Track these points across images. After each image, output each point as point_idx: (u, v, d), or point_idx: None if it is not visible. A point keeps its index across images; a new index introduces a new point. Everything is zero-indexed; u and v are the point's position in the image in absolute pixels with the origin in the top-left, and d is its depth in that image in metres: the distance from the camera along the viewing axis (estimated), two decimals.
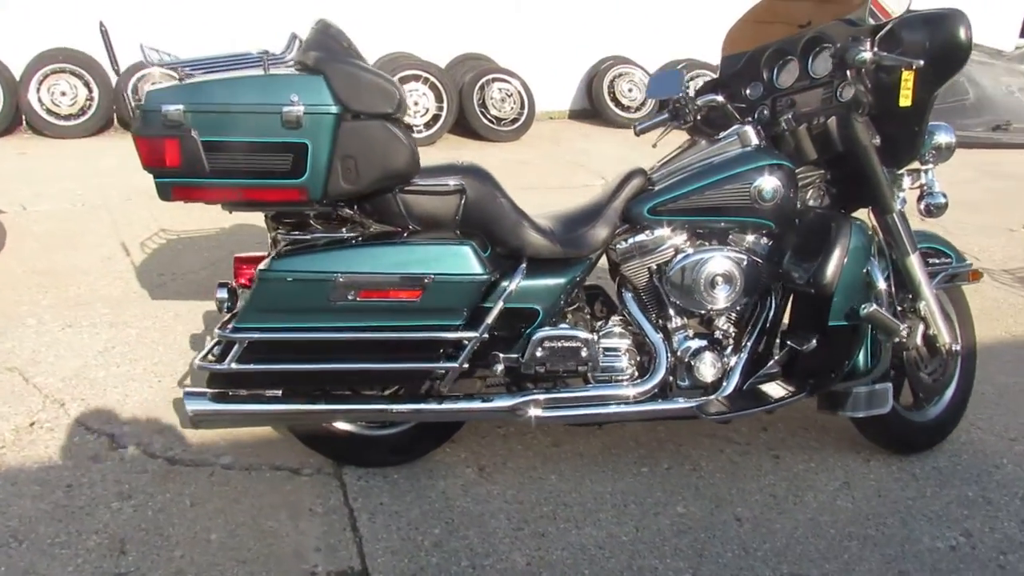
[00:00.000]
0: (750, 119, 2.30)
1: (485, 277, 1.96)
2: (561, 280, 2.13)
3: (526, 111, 7.32)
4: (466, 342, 2.01)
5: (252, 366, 1.94)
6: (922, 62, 1.88)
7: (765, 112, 2.33)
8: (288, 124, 1.81)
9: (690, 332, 2.26)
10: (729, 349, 2.27)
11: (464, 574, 1.96)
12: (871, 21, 1.96)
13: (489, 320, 2.01)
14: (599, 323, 2.29)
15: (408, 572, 1.96)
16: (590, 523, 2.16)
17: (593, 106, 8.25)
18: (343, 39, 1.96)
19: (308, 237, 2.04)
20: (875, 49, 1.98)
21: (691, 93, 2.36)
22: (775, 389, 2.25)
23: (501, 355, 2.11)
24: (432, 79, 6.98)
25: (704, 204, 2.16)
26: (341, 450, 2.30)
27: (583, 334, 2.14)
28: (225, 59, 2.01)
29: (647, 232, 2.22)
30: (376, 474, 2.30)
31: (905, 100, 1.96)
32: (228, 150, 1.82)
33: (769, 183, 2.13)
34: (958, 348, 2.40)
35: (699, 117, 2.34)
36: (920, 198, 2.30)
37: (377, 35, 7.22)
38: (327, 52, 1.89)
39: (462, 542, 2.06)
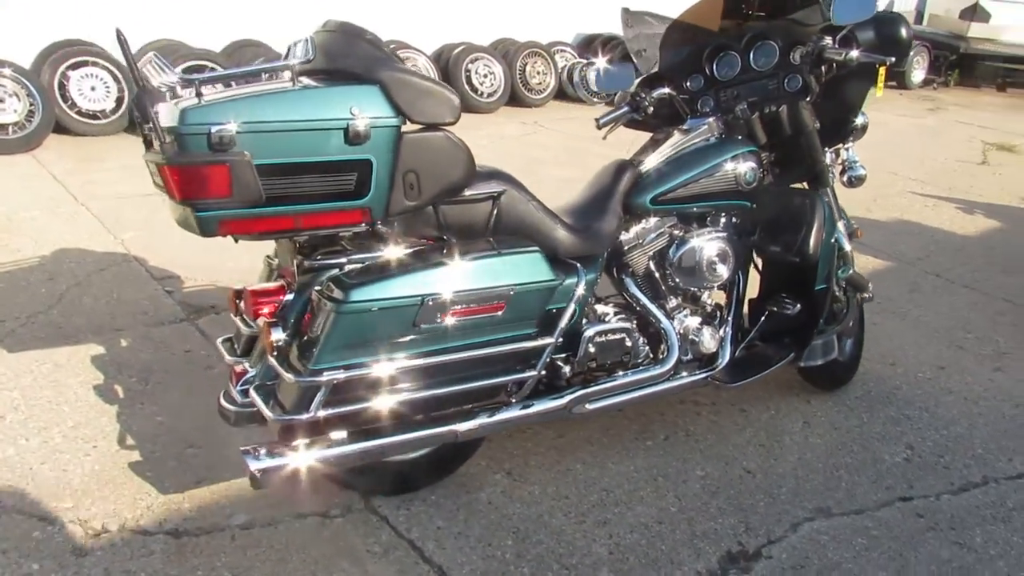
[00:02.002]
0: (707, 110, 2.52)
1: (557, 282, 1.96)
2: (592, 276, 2.18)
3: None
4: (543, 348, 1.99)
5: (339, 409, 1.75)
6: (894, 58, 2.21)
7: (711, 102, 2.56)
8: (353, 140, 1.66)
9: (687, 311, 2.43)
10: (718, 321, 2.49)
11: None
12: (832, 21, 2.24)
13: (563, 324, 2.01)
14: (599, 313, 2.38)
15: None
16: (636, 502, 2.26)
17: None
18: (382, 44, 1.81)
19: (344, 260, 1.87)
20: (859, 48, 2.27)
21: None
22: (766, 351, 2.52)
23: (552, 356, 2.12)
24: (216, 67, 6.38)
25: (699, 191, 2.33)
26: (382, 481, 2.14)
27: (627, 325, 2.21)
28: (241, 72, 1.77)
29: (646, 221, 2.35)
30: (412, 500, 2.19)
31: (880, 91, 2.29)
32: (286, 173, 1.63)
33: (749, 167, 2.36)
34: (870, 296, 2.86)
35: (651, 110, 2.51)
36: (843, 172, 2.69)
37: (142, 23, 6.43)
38: (373, 59, 1.74)
39: (540, 547, 2.06)
